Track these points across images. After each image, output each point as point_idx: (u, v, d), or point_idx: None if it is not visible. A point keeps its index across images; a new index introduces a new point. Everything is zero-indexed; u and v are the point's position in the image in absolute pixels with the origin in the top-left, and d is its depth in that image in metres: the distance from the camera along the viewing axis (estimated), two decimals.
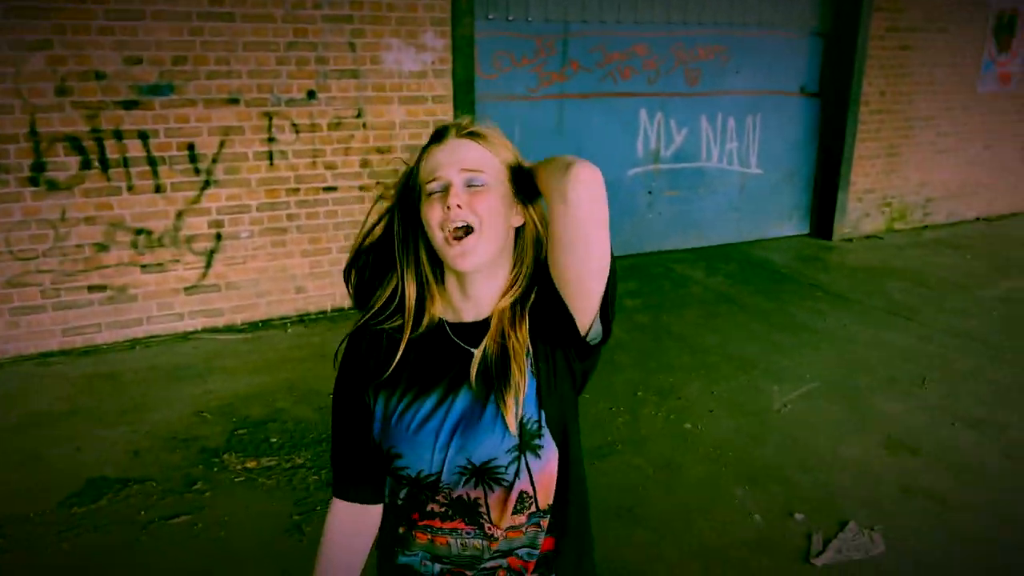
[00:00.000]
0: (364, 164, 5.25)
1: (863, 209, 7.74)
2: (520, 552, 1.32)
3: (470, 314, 1.34)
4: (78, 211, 4.52)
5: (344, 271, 1.41)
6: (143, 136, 4.57)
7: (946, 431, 3.97)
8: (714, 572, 2.91)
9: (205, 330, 5.02)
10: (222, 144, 4.79)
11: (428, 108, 5.35)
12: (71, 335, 4.67)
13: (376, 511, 1.40)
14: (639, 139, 6.57)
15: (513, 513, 1.29)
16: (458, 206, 1.23)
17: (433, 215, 1.26)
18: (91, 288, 4.66)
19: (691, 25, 6.50)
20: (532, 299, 1.32)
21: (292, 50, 4.83)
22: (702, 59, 6.63)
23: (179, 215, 4.79)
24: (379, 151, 5.27)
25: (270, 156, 4.94)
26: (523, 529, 1.31)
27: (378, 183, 5.31)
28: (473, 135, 1.28)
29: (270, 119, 4.88)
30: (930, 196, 8.18)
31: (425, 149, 1.30)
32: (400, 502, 1.34)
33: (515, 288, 1.33)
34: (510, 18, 5.76)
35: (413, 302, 1.33)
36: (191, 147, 4.72)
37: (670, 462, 3.61)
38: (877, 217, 7.88)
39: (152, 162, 4.63)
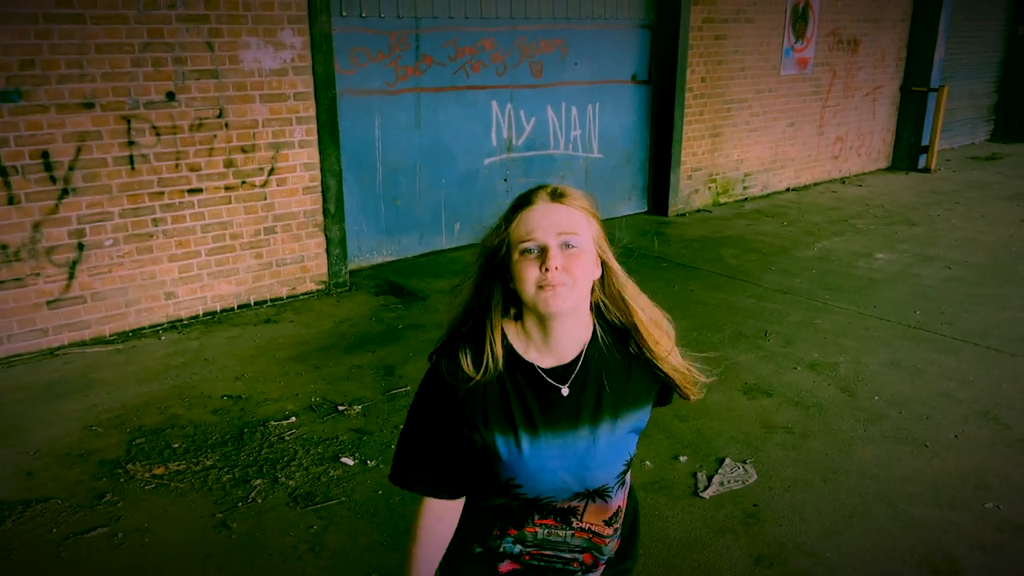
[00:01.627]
0: (228, 164, 5.20)
1: (692, 186, 8.47)
2: (595, 553, 1.53)
3: (549, 360, 1.44)
4: None
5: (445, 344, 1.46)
6: None
7: (790, 375, 4.57)
8: None
9: (72, 344, 4.81)
10: (79, 150, 4.60)
11: (290, 105, 5.37)
12: None
13: (460, 504, 1.52)
14: (492, 129, 6.88)
15: (605, 524, 1.49)
16: (556, 268, 1.33)
17: (529, 274, 1.34)
18: None
19: (532, 20, 6.86)
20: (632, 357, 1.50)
21: (148, 51, 4.71)
22: (544, 52, 7.02)
23: (36, 226, 4.56)
24: (243, 150, 5.24)
25: (131, 160, 4.80)
26: (607, 539, 1.52)
27: (243, 183, 5.28)
28: (562, 197, 1.39)
29: (129, 123, 4.74)
30: (747, 171, 9.08)
31: (516, 211, 1.39)
32: (503, 513, 1.47)
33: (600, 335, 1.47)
34: (364, 15, 5.86)
35: (499, 347, 1.41)
36: (45, 155, 4.50)
37: None
38: (705, 193, 8.66)
39: (3, 172, 4.38)
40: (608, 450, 1.44)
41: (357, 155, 6.09)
